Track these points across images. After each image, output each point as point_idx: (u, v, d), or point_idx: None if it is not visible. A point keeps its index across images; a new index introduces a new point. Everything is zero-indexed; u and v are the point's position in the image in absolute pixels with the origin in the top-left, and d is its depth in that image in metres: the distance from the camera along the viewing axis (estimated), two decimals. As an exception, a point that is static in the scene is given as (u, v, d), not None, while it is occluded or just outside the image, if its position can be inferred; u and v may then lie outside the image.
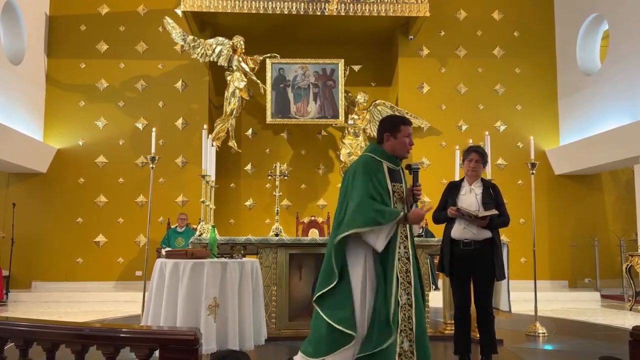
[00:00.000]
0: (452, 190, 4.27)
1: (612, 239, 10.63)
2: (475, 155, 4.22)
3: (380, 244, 2.92)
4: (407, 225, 3.10)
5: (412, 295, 3.01)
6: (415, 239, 6.40)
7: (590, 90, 10.18)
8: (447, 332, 5.43)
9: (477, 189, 4.19)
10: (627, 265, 8.52)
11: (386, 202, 3.00)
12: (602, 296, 9.44)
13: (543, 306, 7.30)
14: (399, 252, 3.00)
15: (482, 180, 4.26)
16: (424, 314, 3.09)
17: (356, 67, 11.03)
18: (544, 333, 5.78)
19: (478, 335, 4.18)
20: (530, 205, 6.45)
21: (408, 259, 3.05)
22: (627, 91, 9.18)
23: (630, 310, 8.24)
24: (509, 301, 5.04)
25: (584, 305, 8.77)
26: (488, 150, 5.71)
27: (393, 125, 3.14)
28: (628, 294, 8.66)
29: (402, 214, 2.98)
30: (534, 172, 6.29)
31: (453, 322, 4.37)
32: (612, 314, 7.96)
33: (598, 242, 10.31)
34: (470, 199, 4.15)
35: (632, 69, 9.05)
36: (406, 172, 3.23)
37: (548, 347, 5.37)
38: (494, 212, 4.01)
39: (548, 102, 11.13)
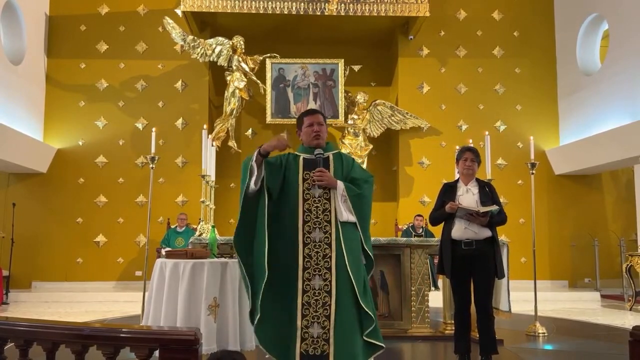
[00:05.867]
0: (448, 190, 4.27)
1: (612, 239, 10.63)
2: (470, 154, 4.23)
3: (250, 183, 3.12)
4: (331, 211, 3.14)
5: (332, 283, 3.04)
6: (415, 238, 6.46)
7: (590, 90, 10.18)
8: (447, 332, 5.43)
9: (474, 188, 4.20)
10: (627, 265, 8.52)
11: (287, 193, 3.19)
12: (602, 296, 9.43)
13: (543, 306, 7.30)
14: (308, 237, 3.10)
15: (477, 179, 4.27)
16: (350, 302, 3.04)
17: (356, 67, 11.03)
18: (544, 333, 5.78)
19: (478, 335, 4.18)
20: (530, 205, 6.45)
21: (329, 244, 3.09)
22: (627, 91, 9.18)
23: (630, 310, 8.24)
24: (509, 301, 5.05)
25: (584, 305, 8.76)
26: (488, 150, 5.73)
27: (298, 121, 3.41)
28: (628, 294, 8.66)
29: (256, 150, 3.15)
30: (534, 172, 6.29)
31: (453, 322, 4.36)
32: (612, 314, 7.96)
33: (598, 242, 10.30)
34: (468, 198, 4.15)
35: (632, 69, 9.05)
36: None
37: (548, 347, 5.37)
38: (495, 207, 4.03)
39: (548, 102, 11.13)
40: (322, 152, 3.24)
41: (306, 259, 3.07)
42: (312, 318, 3.01)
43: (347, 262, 3.07)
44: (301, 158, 3.26)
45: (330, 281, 3.05)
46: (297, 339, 2.99)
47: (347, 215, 3.13)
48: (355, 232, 3.18)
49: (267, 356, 3.21)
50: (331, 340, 2.98)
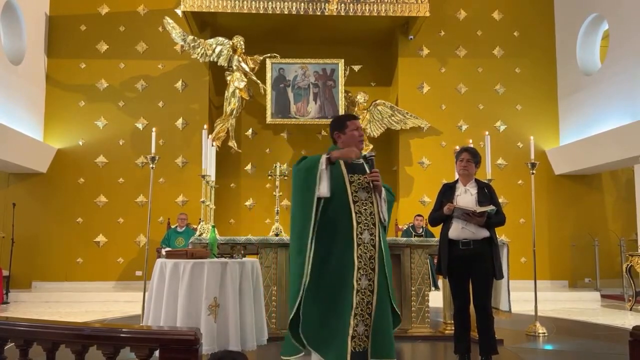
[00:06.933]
0: (447, 191, 4.28)
1: (612, 239, 10.63)
2: (466, 154, 4.23)
3: (322, 189, 3.12)
4: (375, 214, 3.25)
5: (375, 282, 3.16)
6: (415, 238, 6.47)
7: (590, 90, 10.18)
8: (447, 332, 5.43)
9: (472, 189, 4.19)
10: (627, 265, 8.52)
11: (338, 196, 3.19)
12: (602, 296, 9.44)
13: (543, 306, 7.30)
14: (360, 238, 3.18)
15: (476, 180, 4.27)
16: (387, 301, 3.21)
17: (356, 67, 11.03)
18: (544, 333, 5.77)
19: (478, 336, 4.17)
20: (530, 205, 6.45)
21: (374, 246, 3.21)
22: (627, 91, 9.18)
23: (630, 310, 8.24)
24: (509, 301, 5.04)
25: (584, 305, 8.76)
26: (488, 150, 5.72)
27: (340, 124, 3.40)
28: (628, 294, 8.66)
29: (324, 154, 3.18)
30: (534, 172, 6.28)
31: (453, 322, 4.36)
32: (612, 314, 7.96)
33: (598, 242, 10.31)
34: (466, 198, 4.15)
35: (632, 69, 9.05)
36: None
37: (548, 347, 5.37)
38: (492, 207, 4.02)
39: (548, 102, 11.13)
40: (372, 153, 3.35)
41: (359, 260, 3.17)
42: (359, 317, 3.12)
43: (384, 262, 3.23)
44: (341, 162, 3.29)
45: (374, 281, 3.17)
46: (348, 337, 3.07)
47: (385, 217, 3.32)
48: (385, 234, 3.35)
49: (299, 355, 3.25)
50: (370, 337, 3.11)
